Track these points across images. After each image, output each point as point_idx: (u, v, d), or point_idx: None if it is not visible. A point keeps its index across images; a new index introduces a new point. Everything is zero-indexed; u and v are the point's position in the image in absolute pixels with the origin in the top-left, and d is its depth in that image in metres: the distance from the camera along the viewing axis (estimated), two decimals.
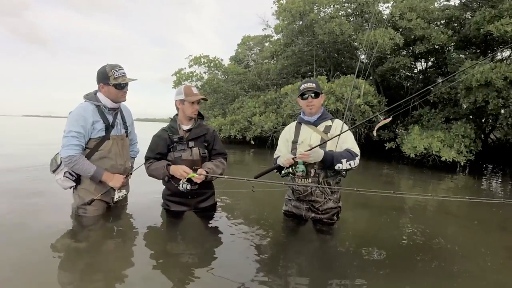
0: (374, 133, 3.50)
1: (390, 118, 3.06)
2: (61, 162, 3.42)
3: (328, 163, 3.18)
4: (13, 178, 5.97)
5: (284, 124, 12.95)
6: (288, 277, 2.65)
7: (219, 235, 3.42)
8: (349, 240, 3.43)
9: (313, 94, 3.36)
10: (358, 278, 2.67)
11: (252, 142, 14.25)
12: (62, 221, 3.52)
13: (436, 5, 12.63)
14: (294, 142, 3.45)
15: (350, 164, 3.15)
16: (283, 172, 3.32)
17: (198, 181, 3.37)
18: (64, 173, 3.42)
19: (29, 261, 2.70)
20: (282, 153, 3.48)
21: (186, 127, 3.61)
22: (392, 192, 3.18)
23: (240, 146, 15.37)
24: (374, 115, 3.47)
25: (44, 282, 2.42)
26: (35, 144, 12.99)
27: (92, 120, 3.36)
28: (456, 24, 12.29)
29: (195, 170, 3.37)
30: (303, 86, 3.43)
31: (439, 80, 12.72)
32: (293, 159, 3.24)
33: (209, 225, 3.67)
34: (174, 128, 3.60)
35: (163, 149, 3.56)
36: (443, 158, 9.08)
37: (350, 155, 3.17)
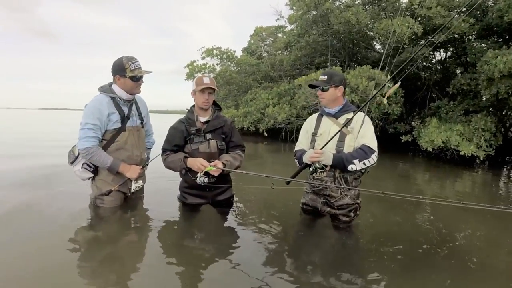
0: (384, 100, 3.42)
1: (399, 83, 2.91)
2: (78, 154, 3.48)
3: (339, 166, 3.08)
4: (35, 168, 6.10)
5: (298, 116, 12.76)
6: (303, 274, 2.60)
7: (235, 230, 3.41)
8: (364, 235, 3.39)
9: (321, 88, 3.26)
10: (374, 274, 2.63)
11: (265, 134, 14.10)
12: (80, 211, 3.62)
13: None
14: (314, 134, 3.36)
15: (364, 163, 3.01)
16: (311, 169, 3.15)
17: (216, 174, 3.31)
18: (82, 164, 3.49)
19: (46, 251, 2.78)
20: (303, 146, 3.42)
21: (203, 119, 3.54)
22: (421, 197, 3.05)
23: (253, 138, 15.24)
24: (380, 89, 3.35)
25: (61, 271, 2.48)
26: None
27: (107, 112, 3.41)
28: (478, 12, 11.83)
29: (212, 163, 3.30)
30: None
31: (458, 71, 12.36)
32: None
33: (226, 220, 3.64)
34: (191, 120, 3.54)
35: (180, 141, 3.51)
36: (461, 153, 8.75)
37: (363, 153, 3.02)
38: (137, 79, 3.46)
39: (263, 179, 3.02)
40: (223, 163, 3.32)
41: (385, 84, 3.14)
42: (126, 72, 3.40)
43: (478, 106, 10.47)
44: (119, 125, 3.49)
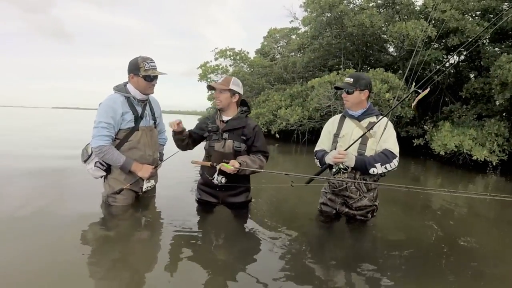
0: (412, 106, 3.26)
1: (428, 89, 2.84)
2: (92, 152, 3.49)
3: (361, 169, 3.10)
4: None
5: (310, 118, 12.78)
6: (318, 277, 2.61)
7: (248, 232, 3.43)
8: (378, 238, 3.40)
9: (346, 90, 3.27)
10: (387, 277, 2.64)
11: (277, 135, 14.10)
12: (92, 209, 3.65)
13: None
14: (336, 135, 3.37)
15: (386, 168, 3.04)
16: (333, 170, 3.14)
17: (230, 172, 3.22)
18: (95, 163, 3.52)
19: (58, 248, 2.82)
20: (325, 146, 3.43)
21: (225, 118, 3.52)
22: (446, 190, 3.04)
23: (265, 139, 15.20)
24: (407, 95, 3.33)
25: (73, 268, 2.50)
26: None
27: (121, 111, 3.43)
28: (492, 16, 11.74)
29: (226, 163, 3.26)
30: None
31: (472, 75, 12.25)
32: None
33: (239, 221, 3.64)
34: (213, 118, 3.58)
35: (195, 134, 3.62)
36: (474, 157, 8.71)
37: (385, 157, 3.04)
38: (150, 79, 3.48)
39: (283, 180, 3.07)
40: (239, 162, 3.25)
41: (411, 92, 3.10)
42: (140, 71, 3.43)
43: (491, 110, 10.42)
44: (132, 124, 3.52)
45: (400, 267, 2.83)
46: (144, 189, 3.68)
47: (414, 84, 2.97)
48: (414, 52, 10.06)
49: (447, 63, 10.47)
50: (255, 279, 2.46)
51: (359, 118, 3.31)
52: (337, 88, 3.47)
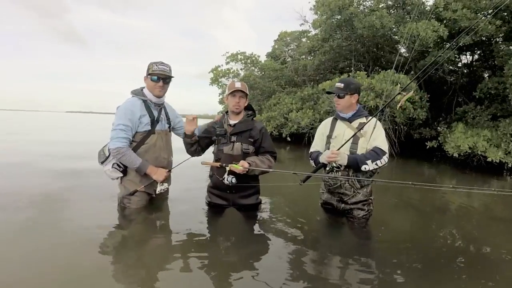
0: (397, 107, 3.61)
1: (412, 91, 3.02)
2: (109, 154, 3.57)
3: (353, 166, 3.30)
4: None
5: (321, 121, 12.64)
6: (324, 278, 2.62)
7: (259, 234, 3.45)
8: (386, 239, 3.43)
9: (337, 94, 3.46)
10: (395, 278, 2.64)
11: (289, 138, 14.08)
12: (107, 210, 3.79)
13: None
14: (329, 136, 3.55)
15: (376, 164, 3.23)
16: (327, 168, 3.35)
17: (240, 172, 3.32)
18: (113, 164, 3.59)
19: (74, 247, 2.91)
20: (318, 148, 3.61)
21: (232, 122, 3.61)
22: (451, 186, 2.99)
23: (276, 142, 15.14)
24: (394, 96, 3.54)
25: (87, 270, 2.55)
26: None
27: (139, 114, 3.54)
28: (505, 14, 11.55)
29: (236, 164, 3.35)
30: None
31: (486, 75, 12.08)
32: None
33: (250, 224, 3.67)
34: (221, 122, 3.66)
35: (203, 139, 3.69)
36: (489, 159, 8.55)
37: (375, 154, 3.25)
38: (155, 80, 3.55)
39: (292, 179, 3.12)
40: (248, 163, 3.36)
41: (399, 93, 3.24)
42: (149, 71, 3.57)
43: (506, 110, 10.21)
44: (149, 127, 3.61)
45: (412, 268, 2.82)
46: (157, 192, 3.75)
47: (399, 86, 3.09)
48: (410, 51, 9.91)
49: (445, 55, 10.25)
50: (264, 283, 2.47)
51: (350, 120, 3.50)
52: (328, 93, 3.70)
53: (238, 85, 3.53)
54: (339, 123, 3.55)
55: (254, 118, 3.74)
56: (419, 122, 11.18)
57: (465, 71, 13.31)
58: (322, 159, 3.38)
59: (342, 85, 3.44)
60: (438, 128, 12.58)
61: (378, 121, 3.41)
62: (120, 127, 3.46)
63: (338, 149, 3.27)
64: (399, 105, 3.31)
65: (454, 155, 9.18)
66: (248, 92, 3.62)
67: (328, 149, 3.44)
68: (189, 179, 4.71)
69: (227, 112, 3.73)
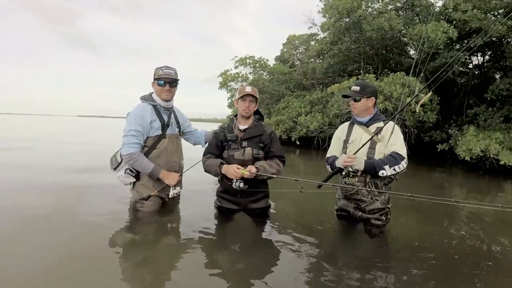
0: (417, 109, 3.45)
1: (431, 92, 2.98)
2: (121, 160, 3.61)
3: (370, 171, 3.20)
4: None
5: (330, 124, 12.65)
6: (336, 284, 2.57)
7: (269, 238, 3.42)
8: (399, 246, 3.36)
9: (353, 98, 3.38)
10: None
11: (298, 142, 14.04)
12: (120, 213, 3.83)
13: None
14: (345, 141, 3.48)
15: (394, 169, 3.13)
16: (343, 173, 3.32)
17: (248, 177, 3.34)
18: (125, 170, 3.61)
19: (88, 249, 2.95)
20: (335, 153, 3.54)
21: (242, 127, 3.61)
22: (453, 200, 2.93)
23: (285, 146, 15.15)
24: (412, 98, 3.44)
25: (99, 271, 2.59)
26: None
27: (150, 119, 3.57)
28: None
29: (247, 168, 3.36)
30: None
31: (497, 76, 11.91)
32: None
33: (260, 228, 3.65)
34: (230, 127, 3.65)
35: (216, 148, 3.64)
36: (501, 162, 8.42)
37: (394, 160, 3.15)
38: (162, 84, 3.57)
39: (295, 185, 3.13)
40: (256, 167, 3.36)
41: (417, 94, 3.16)
42: (155, 77, 3.61)
43: None
44: (159, 132, 3.63)
45: (424, 277, 2.74)
46: (170, 196, 3.77)
47: (417, 88, 3.02)
48: (430, 55, 9.81)
49: (459, 61, 10.14)
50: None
51: (366, 124, 3.42)
52: (344, 96, 3.60)
53: (248, 89, 3.53)
54: (356, 128, 3.48)
55: (262, 123, 3.75)
56: (429, 125, 11.05)
57: (476, 72, 13.14)
58: (338, 163, 3.31)
59: (358, 88, 3.37)
60: (449, 130, 12.43)
61: (396, 125, 3.30)
62: (131, 133, 3.48)
63: (355, 153, 3.21)
64: (418, 106, 3.21)
65: (466, 158, 9.05)
66: (258, 97, 3.61)
67: (345, 153, 3.38)
68: (197, 182, 4.76)
69: (236, 116, 3.73)
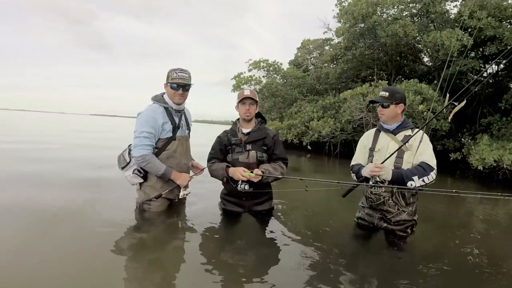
0: (449, 118, 3.21)
1: (465, 101, 2.88)
2: (130, 160, 3.64)
3: (398, 182, 3.06)
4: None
5: (342, 130, 12.63)
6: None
7: (275, 240, 3.45)
8: (416, 255, 3.28)
9: (382, 104, 3.27)
10: None
11: (309, 147, 14.01)
12: (127, 214, 3.84)
13: (510, 1, 11.46)
14: (371, 149, 3.38)
15: (423, 180, 3.01)
16: (370, 182, 3.18)
17: (254, 181, 3.39)
18: (134, 170, 3.64)
19: (92, 251, 2.95)
20: (360, 161, 3.45)
21: (245, 130, 3.68)
22: (499, 194, 2.87)
23: (296, 151, 15.15)
24: (441, 109, 3.34)
25: (105, 271, 2.62)
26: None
27: (162, 121, 3.59)
28: None
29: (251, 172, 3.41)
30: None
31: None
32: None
33: (266, 229, 3.68)
34: (233, 131, 3.71)
35: (220, 152, 3.70)
36: None
37: (423, 170, 3.02)
38: (175, 87, 3.56)
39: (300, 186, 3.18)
40: (261, 171, 3.43)
41: (446, 105, 3.10)
42: (168, 79, 3.59)
43: None
44: (170, 134, 3.66)
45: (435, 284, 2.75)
46: (180, 196, 3.81)
47: (448, 95, 2.93)
48: (447, 62, 9.76)
49: (485, 72, 10.05)
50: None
51: (394, 132, 3.31)
52: (372, 102, 3.47)
53: (247, 92, 3.60)
54: (383, 135, 3.37)
55: (265, 126, 3.81)
56: (442, 133, 10.97)
57: (491, 81, 13.03)
58: (365, 172, 3.21)
59: (387, 93, 3.26)
60: (462, 139, 12.31)
61: (425, 134, 3.19)
62: (144, 134, 3.50)
63: (382, 162, 3.11)
64: (451, 116, 3.03)
65: (479, 168, 8.96)
66: (257, 99, 3.66)
67: (371, 162, 3.27)
68: (202, 184, 4.76)
69: (238, 120, 3.79)
